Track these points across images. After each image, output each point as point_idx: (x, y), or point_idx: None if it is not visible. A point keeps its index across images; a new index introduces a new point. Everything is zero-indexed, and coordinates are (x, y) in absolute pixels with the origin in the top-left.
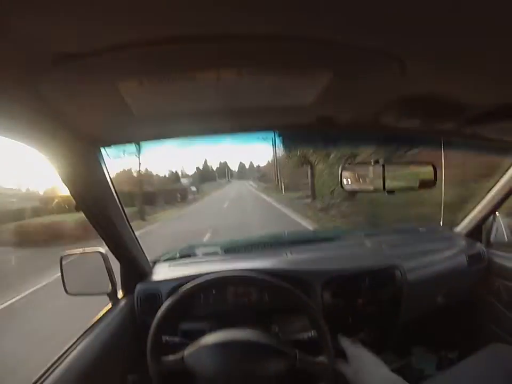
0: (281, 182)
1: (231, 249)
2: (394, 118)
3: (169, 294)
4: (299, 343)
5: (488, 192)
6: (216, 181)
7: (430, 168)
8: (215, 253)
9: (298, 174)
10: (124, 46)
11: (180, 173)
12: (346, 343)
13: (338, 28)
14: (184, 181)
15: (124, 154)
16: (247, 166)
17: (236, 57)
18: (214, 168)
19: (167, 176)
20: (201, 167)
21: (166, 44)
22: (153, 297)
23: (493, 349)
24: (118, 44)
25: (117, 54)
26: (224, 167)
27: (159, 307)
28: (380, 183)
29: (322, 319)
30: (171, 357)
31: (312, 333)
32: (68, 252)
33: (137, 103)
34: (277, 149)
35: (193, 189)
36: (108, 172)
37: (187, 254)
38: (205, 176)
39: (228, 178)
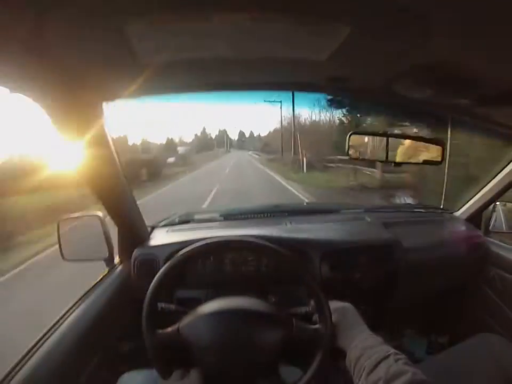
0: (302, 155)
1: (230, 216)
2: (407, 85)
3: (167, 259)
4: (296, 315)
5: (491, 179)
6: (213, 151)
7: (439, 146)
8: (214, 219)
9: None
10: None
11: (177, 140)
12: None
13: None
14: (181, 149)
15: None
16: (247, 135)
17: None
18: (213, 136)
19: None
20: (199, 135)
21: None
22: (150, 263)
23: (483, 338)
24: None
25: None
26: (223, 135)
27: (156, 273)
28: (383, 154)
29: (320, 287)
30: (167, 329)
31: (309, 308)
32: (66, 216)
33: (144, 48)
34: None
35: (170, 160)
36: (109, 131)
37: (186, 220)
38: (203, 144)
39: (227, 147)
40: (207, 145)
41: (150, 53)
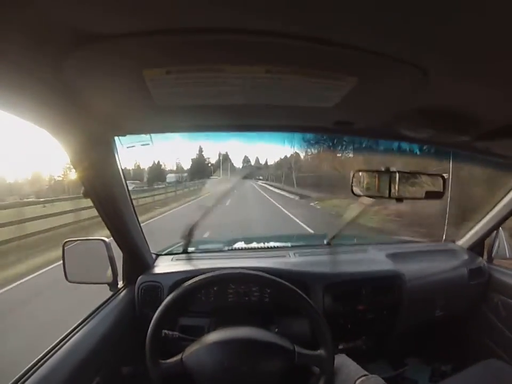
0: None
1: (234, 247)
2: (409, 126)
3: (171, 288)
4: (297, 341)
5: (492, 207)
6: (210, 179)
7: (440, 179)
8: (218, 250)
9: None
10: (152, 33)
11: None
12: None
13: (366, 35)
14: (171, 176)
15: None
16: (252, 162)
17: (264, 54)
18: (213, 161)
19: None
20: (194, 157)
21: (195, 35)
22: (154, 290)
23: (487, 365)
24: (146, 30)
25: (145, 40)
26: (225, 160)
27: (160, 300)
28: (386, 190)
29: (321, 314)
30: (170, 360)
31: (310, 335)
32: (71, 239)
33: (159, 92)
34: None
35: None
36: (119, 161)
37: (190, 249)
38: (197, 171)
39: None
40: (202, 171)
41: (164, 96)
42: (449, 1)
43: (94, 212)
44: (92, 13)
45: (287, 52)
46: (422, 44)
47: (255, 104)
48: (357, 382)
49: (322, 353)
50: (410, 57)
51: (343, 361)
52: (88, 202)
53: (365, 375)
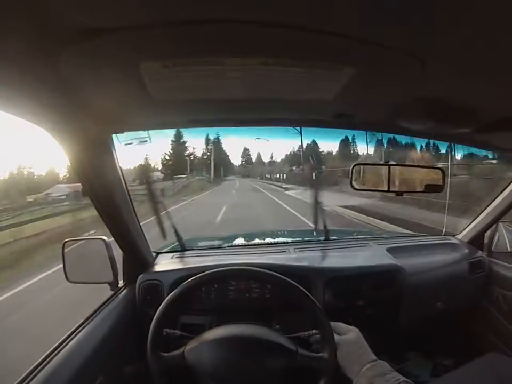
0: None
1: (234, 243)
2: (409, 118)
3: (171, 286)
4: (299, 341)
5: (492, 200)
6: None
7: (439, 172)
8: (218, 246)
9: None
10: (150, 25)
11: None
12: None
13: (364, 25)
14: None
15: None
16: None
17: (262, 45)
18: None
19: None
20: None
21: (193, 26)
22: (154, 288)
23: (488, 358)
24: (144, 23)
25: (141, 33)
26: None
27: (161, 298)
28: (386, 184)
29: (325, 316)
30: (171, 353)
31: (312, 332)
32: (71, 238)
33: (157, 86)
34: None
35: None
36: (118, 159)
37: (190, 247)
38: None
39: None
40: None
41: (162, 91)
42: None
43: None
44: (88, 6)
45: (285, 42)
46: (419, 34)
47: (254, 97)
48: (363, 369)
49: (325, 355)
50: (407, 47)
51: (353, 339)
52: None
53: (372, 361)
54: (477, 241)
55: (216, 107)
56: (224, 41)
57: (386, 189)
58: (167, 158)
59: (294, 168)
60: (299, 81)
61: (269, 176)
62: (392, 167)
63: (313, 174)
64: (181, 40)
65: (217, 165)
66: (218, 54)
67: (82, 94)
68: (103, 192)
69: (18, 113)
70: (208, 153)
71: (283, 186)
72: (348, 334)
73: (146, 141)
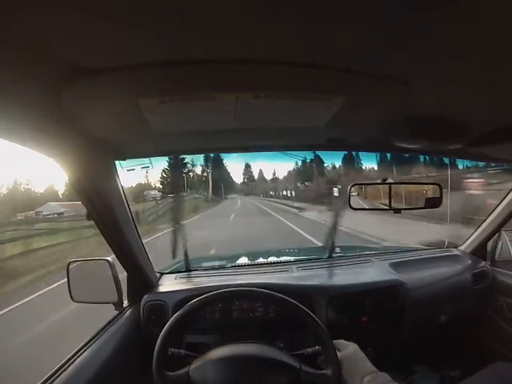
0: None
1: (237, 263)
2: (401, 138)
3: (176, 306)
4: (303, 358)
5: (493, 210)
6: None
7: (436, 187)
8: (221, 267)
9: None
10: (147, 65)
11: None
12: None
13: (348, 57)
14: (151, 194)
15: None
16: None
17: (254, 80)
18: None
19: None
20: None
21: (187, 66)
22: (159, 309)
23: (496, 368)
24: (141, 62)
25: (139, 72)
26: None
27: (165, 318)
28: (386, 202)
29: (328, 333)
30: (177, 372)
31: (316, 348)
32: (75, 259)
33: (156, 119)
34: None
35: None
36: (121, 184)
37: (194, 267)
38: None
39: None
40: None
41: (160, 122)
42: (424, 16)
43: None
44: (85, 47)
45: (276, 77)
46: (401, 59)
47: (248, 127)
48: (364, 380)
49: (329, 373)
50: (393, 73)
51: (353, 352)
52: None
53: (372, 372)
54: (479, 251)
55: (212, 136)
56: (218, 78)
57: (386, 207)
58: (164, 175)
59: (305, 183)
60: (290, 111)
61: (273, 194)
62: (390, 185)
63: (334, 189)
64: (177, 79)
65: (217, 182)
66: (212, 90)
67: (84, 126)
68: (106, 216)
69: (23, 143)
70: (208, 170)
71: (295, 205)
72: (347, 349)
73: (148, 167)
